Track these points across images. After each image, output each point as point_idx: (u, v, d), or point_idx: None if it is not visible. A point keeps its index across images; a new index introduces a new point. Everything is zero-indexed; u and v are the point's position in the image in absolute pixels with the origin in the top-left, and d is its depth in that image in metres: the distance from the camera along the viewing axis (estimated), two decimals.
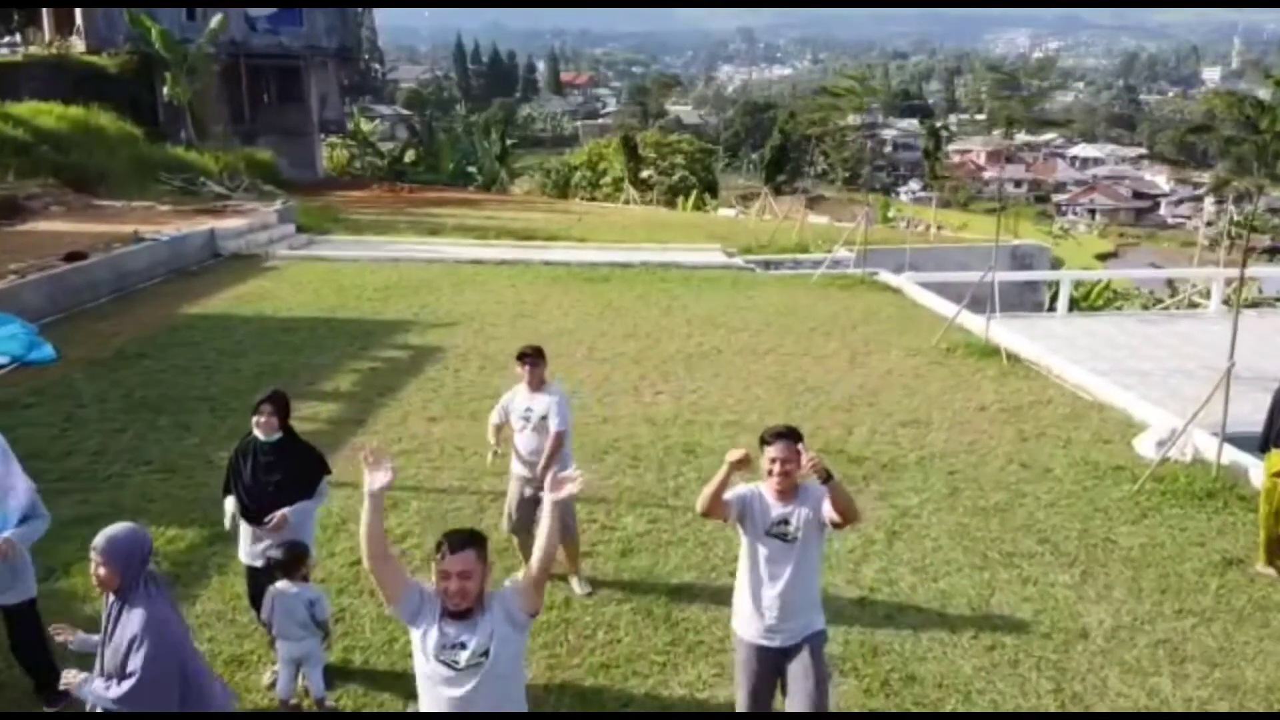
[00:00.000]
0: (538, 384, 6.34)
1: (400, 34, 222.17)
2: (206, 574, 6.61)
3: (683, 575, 6.75)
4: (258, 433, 5.27)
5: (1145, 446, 9.38)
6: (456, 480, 8.14)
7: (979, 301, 17.29)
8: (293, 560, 4.97)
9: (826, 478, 4.18)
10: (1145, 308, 25.68)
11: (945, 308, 15.70)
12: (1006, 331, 13.54)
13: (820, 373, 11.72)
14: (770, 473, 4.40)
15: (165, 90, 29.71)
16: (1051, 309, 23.48)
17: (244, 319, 13.59)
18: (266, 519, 5.17)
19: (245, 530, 5.41)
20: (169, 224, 18.68)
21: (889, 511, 7.76)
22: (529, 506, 6.42)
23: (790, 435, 4.42)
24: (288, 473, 5.26)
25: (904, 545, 7.24)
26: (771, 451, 4.39)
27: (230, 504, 5.40)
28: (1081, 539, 7.46)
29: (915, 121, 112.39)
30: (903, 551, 7.14)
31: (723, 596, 5.46)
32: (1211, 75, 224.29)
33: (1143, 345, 15.35)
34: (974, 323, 14.02)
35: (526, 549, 6.65)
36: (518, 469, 6.47)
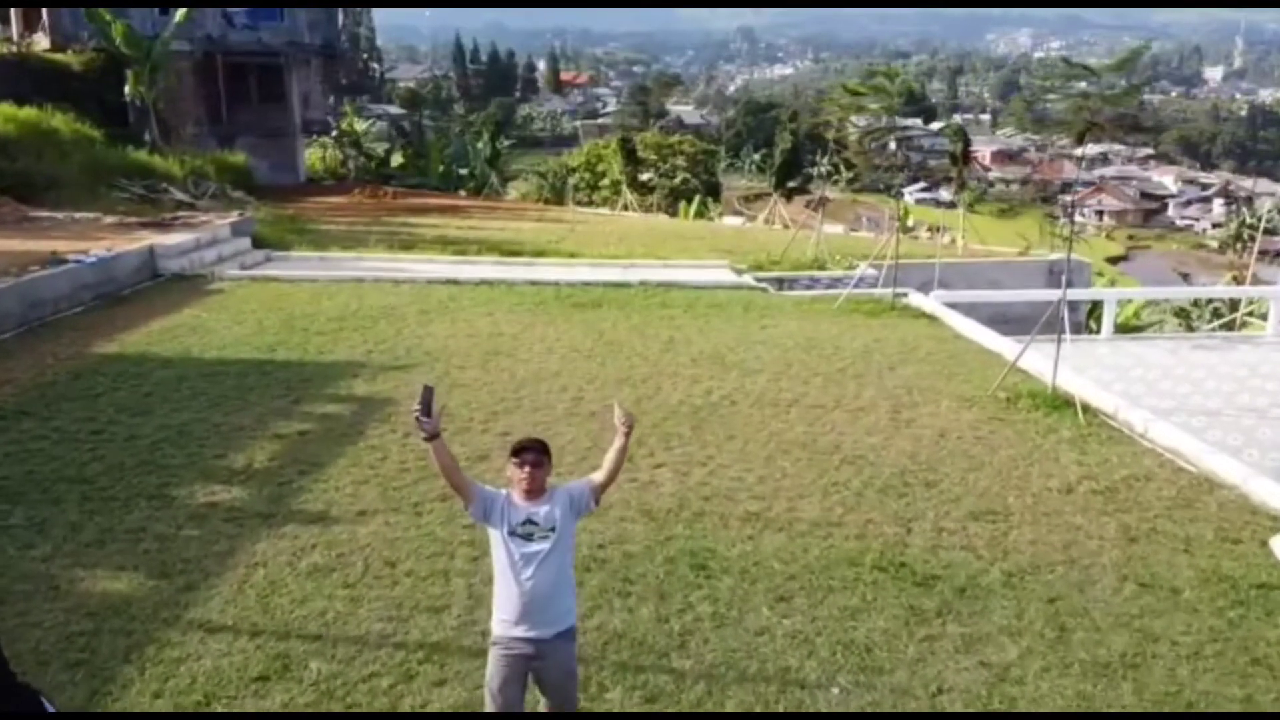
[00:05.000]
0: (538, 491, 4.33)
1: (400, 33, 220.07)
2: None
3: None
4: None
5: None
6: (379, 622, 5.90)
7: (1016, 321, 15.13)
8: None
9: None
10: (1190, 328, 23.70)
11: (992, 339, 13.53)
12: (1068, 371, 11.32)
13: (859, 434, 9.51)
14: None
15: (127, 89, 27.49)
16: (1090, 328, 21.43)
17: (164, 361, 11.36)
18: None
19: None
20: (105, 240, 16.47)
21: (980, 674, 5.54)
22: (518, 682, 4.31)
23: None
24: None
25: None
26: None
27: None
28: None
29: (919, 121, 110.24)
30: None
31: None
32: (1214, 75, 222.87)
33: (1205, 377, 13.69)
34: (1031, 360, 11.77)
35: None
36: (505, 630, 4.30)
